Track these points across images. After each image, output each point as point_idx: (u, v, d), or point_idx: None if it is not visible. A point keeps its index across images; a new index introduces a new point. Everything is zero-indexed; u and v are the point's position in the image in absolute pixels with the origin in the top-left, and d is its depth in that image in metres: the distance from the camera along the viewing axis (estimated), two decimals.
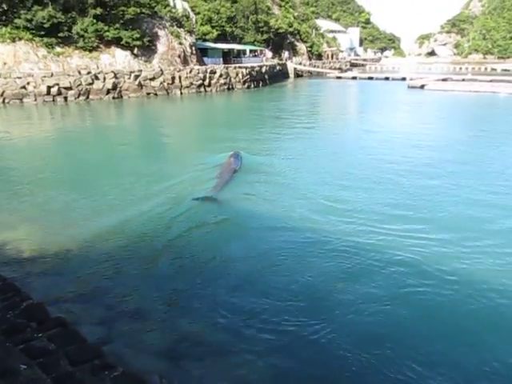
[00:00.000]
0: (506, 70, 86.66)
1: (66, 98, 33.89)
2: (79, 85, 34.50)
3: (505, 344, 5.93)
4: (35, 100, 32.86)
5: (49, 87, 33.25)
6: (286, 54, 68.21)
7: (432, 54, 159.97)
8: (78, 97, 34.44)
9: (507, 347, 5.87)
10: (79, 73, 35.07)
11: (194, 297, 6.97)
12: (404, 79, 57.51)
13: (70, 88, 34.07)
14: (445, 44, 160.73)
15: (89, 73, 35.45)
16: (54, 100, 33.38)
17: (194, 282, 7.44)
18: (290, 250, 8.50)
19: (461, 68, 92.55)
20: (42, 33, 36.09)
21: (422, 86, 47.99)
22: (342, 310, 6.60)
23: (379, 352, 5.70)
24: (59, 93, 33.64)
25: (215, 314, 6.48)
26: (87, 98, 34.93)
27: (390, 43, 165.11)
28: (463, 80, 56.30)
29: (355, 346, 5.80)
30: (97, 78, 35.70)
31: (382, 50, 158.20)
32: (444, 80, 56.81)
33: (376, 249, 8.46)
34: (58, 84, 33.58)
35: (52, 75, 33.85)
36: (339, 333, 6.06)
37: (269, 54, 61.38)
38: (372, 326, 6.26)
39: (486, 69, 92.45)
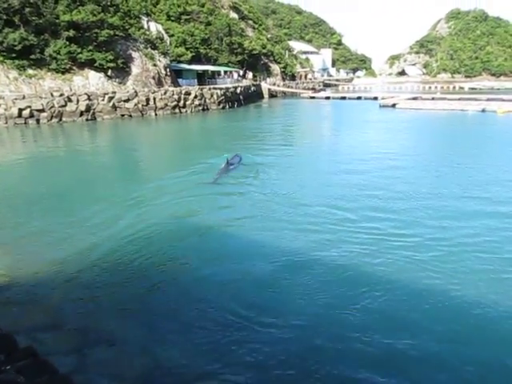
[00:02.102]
0: (472, 89, 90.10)
1: (38, 121, 33.42)
2: (52, 107, 34.13)
3: None
4: (6, 123, 32.28)
5: (20, 110, 32.75)
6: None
7: (402, 73, 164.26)
8: (51, 119, 34.02)
9: None
10: (52, 95, 34.72)
11: (170, 323, 6.80)
12: (376, 98, 58.92)
13: (42, 110, 33.66)
14: (414, 64, 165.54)
15: (61, 95, 35.13)
16: (25, 122, 32.85)
17: (170, 307, 7.28)
18: (277, 270, 8.45)
19: (430, 87, 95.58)
20: (14, 55, 35.73)
21: (394, 105, 49.15)
22: (332, 335, 6.46)
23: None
24: (31, 115, 33.16)
25: (192, 341, 6.33)
26: (60, 120, 34.53)
27: (361, 64, 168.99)
28: (433, 98, 58.00)
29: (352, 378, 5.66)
30: (70, 100, 35.39)
31: (354, 70, 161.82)
32: (414, 99, 58.35)
33: (363, 266, 8.48)
34: (30, 106, 33.15)
35: (24, 97, 33.38)
36: (329, 361, 5.98)
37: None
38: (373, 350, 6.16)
39: (454, 87, 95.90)
